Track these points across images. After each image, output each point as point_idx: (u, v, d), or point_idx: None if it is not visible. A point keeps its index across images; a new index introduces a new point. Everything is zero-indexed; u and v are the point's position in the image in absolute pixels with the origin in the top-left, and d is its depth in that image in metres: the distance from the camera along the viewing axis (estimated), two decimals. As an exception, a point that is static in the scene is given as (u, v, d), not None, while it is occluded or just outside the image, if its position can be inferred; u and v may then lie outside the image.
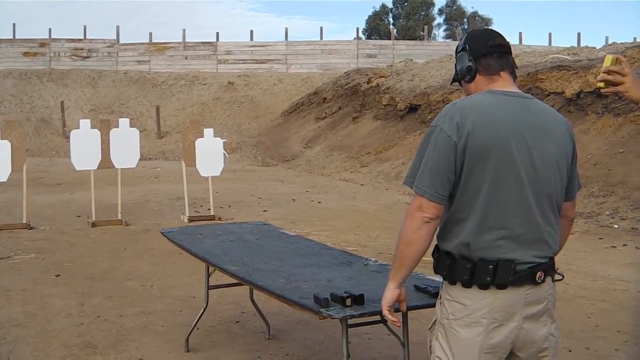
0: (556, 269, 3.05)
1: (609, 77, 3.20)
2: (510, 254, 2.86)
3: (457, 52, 3.16)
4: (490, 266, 2.84)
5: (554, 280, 3.04)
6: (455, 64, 3.16)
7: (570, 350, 5.65)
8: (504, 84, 3.03)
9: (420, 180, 2.91)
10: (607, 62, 3.22)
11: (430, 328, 3.09)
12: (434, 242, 3.05)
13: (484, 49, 3.03)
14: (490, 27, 3.18)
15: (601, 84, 3.24)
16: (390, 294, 3.10)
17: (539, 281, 2.92)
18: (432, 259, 3.06)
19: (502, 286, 2.86)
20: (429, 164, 2.91)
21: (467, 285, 2.89)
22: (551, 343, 3.04)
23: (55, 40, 34.90)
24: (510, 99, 2.96)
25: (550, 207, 2.97)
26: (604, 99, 14.84)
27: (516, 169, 2.86)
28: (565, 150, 3.03)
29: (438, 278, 3.43)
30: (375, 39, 45.99)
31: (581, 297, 7.26)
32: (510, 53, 3.10)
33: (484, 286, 2.86)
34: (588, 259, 8.99)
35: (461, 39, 3.21)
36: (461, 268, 2.90)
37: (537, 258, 2.92)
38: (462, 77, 3.11)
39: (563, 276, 3.10)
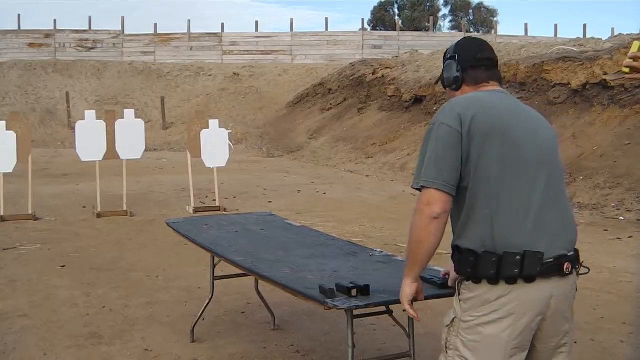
0: (581, 262, 3.05)
1: (635, 64, 3.16)
2: (534, 240, 2.85)
3: (445, 58, 3.19)
4: (517, 257, 2.83)
5: (579, 274, 3.04)
6: (443, 70, 3.19)
7: (575, 342, 5.61)
8: (491, 88, 3.09)
9: (427, 173, 2.92)
10: (635, 48, 3.18)
11: (447, 325, 3.06)
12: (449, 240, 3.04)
13: (473, 61, 3.09)
14: (479, 38, 3.19)
15: (626, 70, 3.21)
16: (408, 288, 3.10)
17: (567, 273, 2.92)
18: (442, 253, 3.06)
19: (530, 279, 2.84)
20: (433, 156, 2.91)
21: (493, 280, 2.87)
22: (569, 339, 3.05)
23: (60, 31, 34.87)
24: (499, 94, 3.05)
25: (562, 192, 3.01)
26: (609, 91, 14.82)
27: (525, 151, 2.89)
28: (554, 139, 3.13)
29: (442, 268, 3.43)
30: (381, 30, 45.92)
31: (586, 288, 7.24)
32: (497, 65, 3.15)
33: (511, 279, 2.84)
34: (593, 250, 8.97)
35: (451, 47, 3.25)
36: (486, 263, 2.87)
37: (562, 245, 2.92)
38: (449, 85, 3.15)
39: (589, 269, 3.08)
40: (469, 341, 2.94)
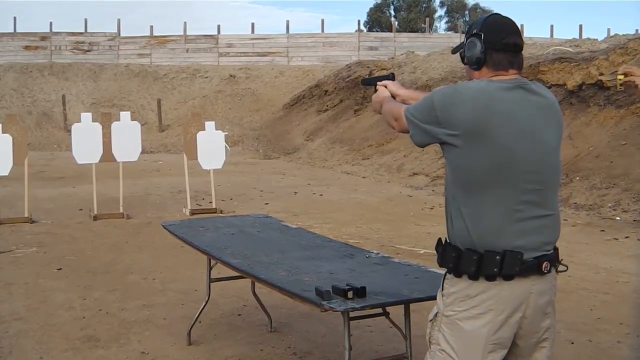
0: (560, 259, 3.06)
1: (628, 79, 3.28)
2: (515, 241, 2.86)
3: (469, 33, 3.10)
4: (497, 257, 2.84)
5: (557, 271, 3.05)
6: (465, 47, 3.11)
7: (572, 343, 5.64)
8: (508, 77, 3.02)
9: (413, 110, 3.10)
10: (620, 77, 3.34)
11: (431, 320, 3.08)
12: (434, 234, 3.07)
13: (499, 45, 2.99)
14: (508, 17, 3.09)
15: (621, 76, 3.32)
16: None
17: (545, 271, 2.93)
18: (435, 253, 3.07)
19: (509, 277, 2.86)
20: (418, 107, 3.07)
21: (474, 277, 2.89)
22: (551, 334, 3.07)
23: (56, 33, 34.80)
24: (511, 88, 2.96)
25: (552, 193, 3.01)
26: (605, 91, 14.82)
27: (517, 154, 2.87)
28: (560, 135, 3.10)
29: (438, 270, 3.44)
30: (377, 31, 45.85)
31: (583, 289, 7.25)
32: (522, 50, 3.09)
33: (491, 277, 2.86)
34: (590, 251, 8.99)
35: (478, 20, 3.16)
36: (468, 260, 2.89)
37: (543, 245, 2.93)
38: (470, 64, 3.09)
39: (567, 267, 3.10)
40: (450, 335, 2.96)
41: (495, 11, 3.67)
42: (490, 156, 2.85)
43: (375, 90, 3.62)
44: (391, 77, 3.64)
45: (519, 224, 2.88)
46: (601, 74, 15.01)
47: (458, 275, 2.94)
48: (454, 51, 3.28)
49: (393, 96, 3.52)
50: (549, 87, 15.68)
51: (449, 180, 3.03)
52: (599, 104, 14.96)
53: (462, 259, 2.91)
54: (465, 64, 3.13)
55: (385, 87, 3.58)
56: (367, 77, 4.23)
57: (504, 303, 2.87)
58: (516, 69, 3.03)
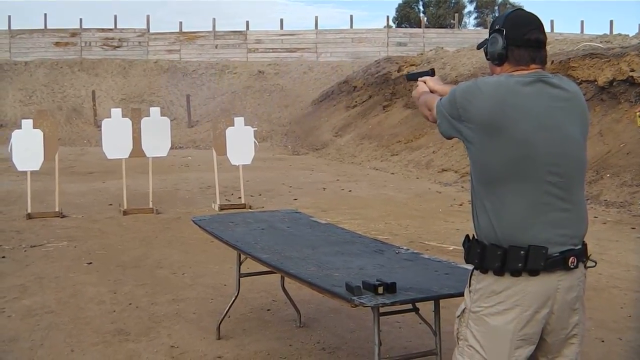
0: (589, 255, 3.04)
1: None
2: (539, 236, 2.85)
3: (492, 29, 3.11)
4: (522, 252, 2.84)
5: (586, 267, 3.03)
6: (487, 44, 3.12)
7: (603, 341, 5.60)
8: (529, 72, 3.00)
9: (443, 102, 3.13)
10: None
11: (458, 316, 3.09)
12: (463, 231, 3.07)
13: (520, 41, 2.99)
14: (531, 13, 3.07)
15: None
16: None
17: (572, 267, 2.91)
18: (462, 249, 3.07)
19: (534, 272, 2.85)
20: (446, 102, 3.09)
21: (499, 272, 2.89)
22: (580, 330, 3.05)
23: (86, 30, 34.99)
24: (527, 79, 2.95)
25: (576, 186, 2.99)
26: (637, 87, 14.69)
27: (537, 148, 2.86)
28: (586, 127, 3.10)
29: (468, 266, 3.43)
30: (406, 27, 45.72)
31: (614, 287, 7.20)
32: (545, 46, 3.07)
33: (516, 273, 2.86)
34: (621, 248, 8.92)
35: (501, 16, 3.15)
36: (492, 256, 2.90)
37: (568, 239, 2.92)
38: (492, 60, 3.09)
39: (596, 263, 3.08)
40: (477, 331, 2.97)
41: (524, 7, 3.65)
42: (508, 150, 2.85)
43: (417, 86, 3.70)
44: (431, 73, 3.72)
45: (543, 217, 2.87)
46: (632, 70, 14.89)
47: (484, 271, 2.95)
48: (479, 47, 3.29)
49: (431, 91, 3.54)
50: (580, 83, 15.56)
51: (472, 175, 3.04)
52: (630, 100, 14.84)
53: (486, 255, 2.92)
54: (488, 59, 3.13)
55: (425, 82, 3.60)
56: (410, 72, 4.38)
57: (530, 299, 2.87)
58: (538, 64, 3.01)
